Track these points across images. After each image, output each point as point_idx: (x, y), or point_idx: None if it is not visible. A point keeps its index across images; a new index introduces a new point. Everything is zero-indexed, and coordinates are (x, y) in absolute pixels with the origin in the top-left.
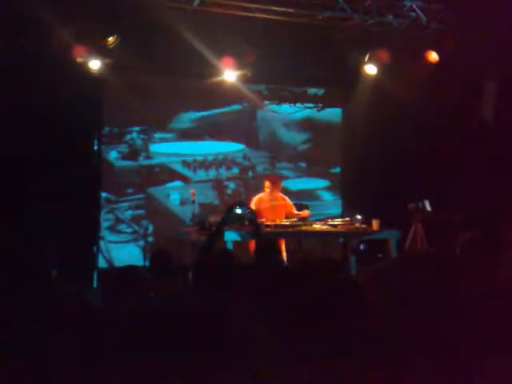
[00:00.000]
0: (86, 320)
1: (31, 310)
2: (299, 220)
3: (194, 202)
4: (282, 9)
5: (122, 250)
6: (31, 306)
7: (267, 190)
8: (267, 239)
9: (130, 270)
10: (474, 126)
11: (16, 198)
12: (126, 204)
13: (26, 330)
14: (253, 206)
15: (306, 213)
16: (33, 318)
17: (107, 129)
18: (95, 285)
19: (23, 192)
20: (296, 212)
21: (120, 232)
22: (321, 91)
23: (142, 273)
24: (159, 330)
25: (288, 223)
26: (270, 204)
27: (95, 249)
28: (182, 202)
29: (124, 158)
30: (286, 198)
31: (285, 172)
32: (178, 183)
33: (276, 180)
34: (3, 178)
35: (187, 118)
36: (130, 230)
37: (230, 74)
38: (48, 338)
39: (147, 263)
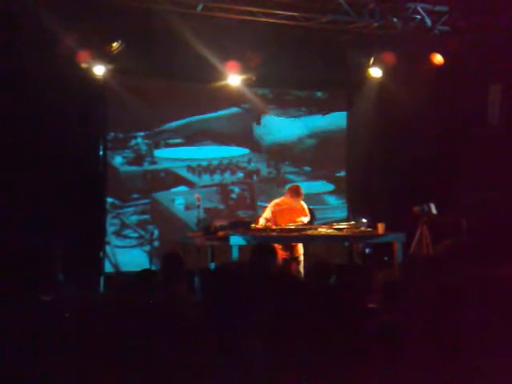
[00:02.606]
0: (93, 321)
1: (37, 313)
2: (305, 224)
3: (199, 206)
4: (286, 12)
5: (128, 255)
6: (37, 308)
7: (287, 201)
8: (263, 243)
9: (146, 273)
10: (479, 128)
11: (22, 205)
12: (132, 209)
13: (30, 332)
14: (270, 210)
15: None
16: (37, 320)
17: (112, 134)
18: (101, 289)
19: (29, 198)
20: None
21: (126, 237)
22: (325, 95)
23: (158, 277)
24: (162, 332)
25: (293, 227)
26: (285, 207)
27: (101, 254)
28: (187, 207)
29: (129, 163)
30: (305, 206)
31: (290, 176)
32: (182, 188)
33: (298, 195)
34: (9, 184)
35: (192, 123)
36: (135, 234)
37: (234, 78)
38: (52, 340)
39: (154, 267)
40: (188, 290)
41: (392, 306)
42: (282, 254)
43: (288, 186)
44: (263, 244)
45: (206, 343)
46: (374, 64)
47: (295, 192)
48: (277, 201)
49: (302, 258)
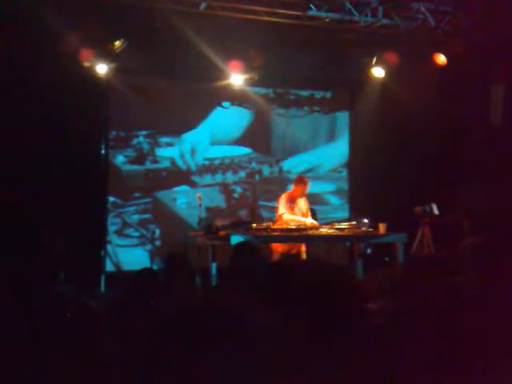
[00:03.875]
0: (88, 322)
1: (37, 312)
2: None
3: (200, 205)
4: (289, 11)
5: (130, 254)
6: (38, 307)
7: (296, 192)
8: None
9: (147, 272)
10: (481, 129)
11: (23, 203)
12: (133, 208)
13: (30, 331)
14: (286, 203)
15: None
16: (38, 319)
17: (114, 133)
18: (102, 288)
19: (30, 197)
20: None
21: (127, 236)
22: (328, 94)
23: (159, 276)
24: (165, 332)
25: (294, 227)
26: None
27: (103, 253)
28: (189, 206)
29: (131, 162)
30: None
31: (291, 176)
32: (184, 187)
33: (304, 183)
34: (10, 183)
35: (193, 122)
36: (137, 233)
37: (237, 78)
38: (52, 339)
39: (155, 266)
40: (190, 289)
41: (392, 305)
42: (282, 248)
43: (294, 178)
44: (245, 243)
45: (207, 343)
46: (377, 63)
47: (301, 181)
48: (288, 192)
49: (304, 254)
